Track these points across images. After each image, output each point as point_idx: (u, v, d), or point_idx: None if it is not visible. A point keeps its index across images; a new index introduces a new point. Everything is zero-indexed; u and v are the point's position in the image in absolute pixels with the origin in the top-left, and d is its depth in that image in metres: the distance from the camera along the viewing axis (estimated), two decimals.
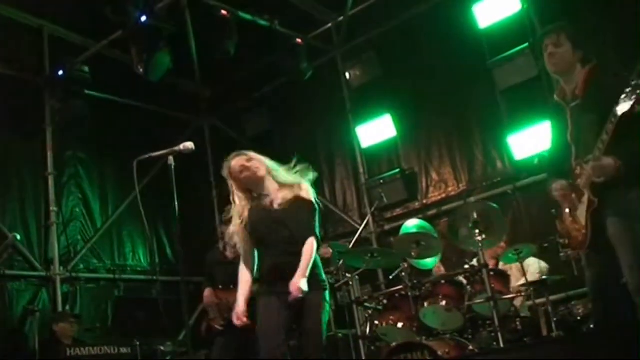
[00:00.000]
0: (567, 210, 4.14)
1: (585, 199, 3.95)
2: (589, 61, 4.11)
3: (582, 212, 4.00)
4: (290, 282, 4.14)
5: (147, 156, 4.27)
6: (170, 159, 4.20)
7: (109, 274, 9.33)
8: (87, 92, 8.99)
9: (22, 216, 8.63)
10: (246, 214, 4.44)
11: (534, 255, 6.26)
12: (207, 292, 6.43)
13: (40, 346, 7.15)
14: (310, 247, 4.27)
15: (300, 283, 4.11)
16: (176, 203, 4.21)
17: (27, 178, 8.81)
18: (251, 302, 4.42)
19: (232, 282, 6.09)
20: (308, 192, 4.48)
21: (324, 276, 4.45)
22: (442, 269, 6.76)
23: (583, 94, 4.03)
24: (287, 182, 4.50)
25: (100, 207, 9.60)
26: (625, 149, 3.74)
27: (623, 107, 3.64)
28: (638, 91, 3.59)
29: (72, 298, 8.81)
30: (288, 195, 4.43)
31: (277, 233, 4.34)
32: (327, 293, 4.41)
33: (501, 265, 6.45)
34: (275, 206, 4.40)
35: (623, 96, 3.64)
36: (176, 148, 4.23)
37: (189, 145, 4.26)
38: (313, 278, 4.24)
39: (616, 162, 3.74)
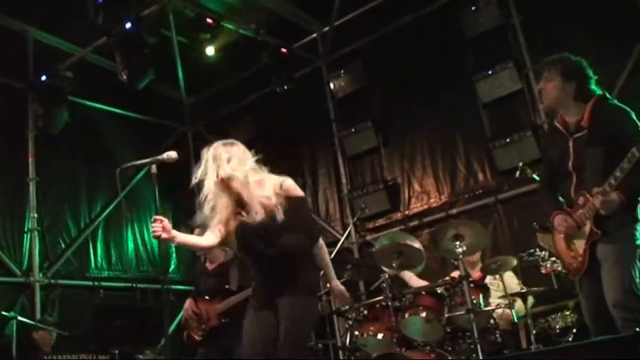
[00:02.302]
0: (562, 236, 4.21)
1: (586, 229, 4.03)
2: (582, 92, 4.16)
3: (580, 241, 4.08)
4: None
5: (129, 164, 4.24)
6: (153, 167, 4.12)
7: (89, 281, 9.23)
8: (70, 98, 8.95)
9: (2, 221, 8.53)
10: None
11: (514, 268, 6.26)
12: (188, 302, 6.38)
13: (18, 353, 7.06)
14: None
15: None
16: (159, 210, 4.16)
17: (7, 183, 8.70)
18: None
19: (212, 294, 6.12)
20: None
21: None
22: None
23: (589, 126, 4.10)
24: None
25: (81, 214, 9.49)
26: (628, 183, 3.85)
27: None
28: None
29: (51, 305, 8.70)
30: None
31: None
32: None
33: (488, 278, 6.46)
34: None
35: None
36: (159, 157, 4.15)
37: (172, 154, 4.20)
38: None
39: (620, 197, 3.86)
